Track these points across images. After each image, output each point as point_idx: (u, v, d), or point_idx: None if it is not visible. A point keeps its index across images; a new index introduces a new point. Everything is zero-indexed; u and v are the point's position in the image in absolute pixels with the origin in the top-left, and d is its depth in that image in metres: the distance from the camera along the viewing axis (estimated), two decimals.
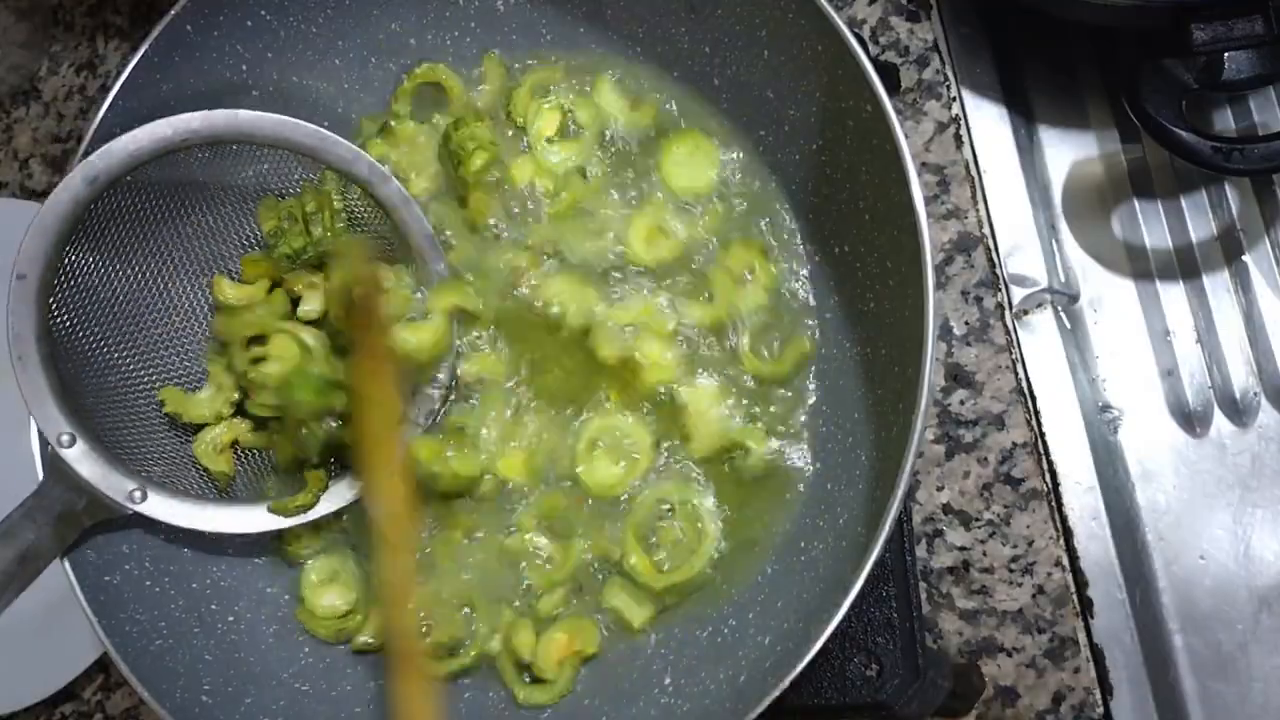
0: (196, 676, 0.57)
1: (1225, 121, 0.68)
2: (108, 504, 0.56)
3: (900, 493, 0.47)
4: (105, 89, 0.60)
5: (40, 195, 0.86)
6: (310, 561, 0.62)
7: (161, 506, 0.57)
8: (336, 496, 0.60)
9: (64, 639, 0.71)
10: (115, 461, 0.57)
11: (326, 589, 0.61)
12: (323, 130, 0.59)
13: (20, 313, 0.55)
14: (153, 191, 0.59)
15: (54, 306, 0.56)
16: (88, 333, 0.58)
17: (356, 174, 0.60)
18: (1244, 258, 0.66)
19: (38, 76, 0.90)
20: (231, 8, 0.61)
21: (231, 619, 0.61)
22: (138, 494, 0.56)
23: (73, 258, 0.57)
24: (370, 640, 0.60)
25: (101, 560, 0.57)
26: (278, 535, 0.61)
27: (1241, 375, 0.65)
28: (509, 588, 0.60)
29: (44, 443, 0.56)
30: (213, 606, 0.60)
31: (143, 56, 0.59)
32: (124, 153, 0.56)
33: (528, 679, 0.59)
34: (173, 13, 0.59)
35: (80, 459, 0.56)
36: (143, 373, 0.61)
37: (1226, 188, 0.67)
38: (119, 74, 0.59)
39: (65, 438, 0.55)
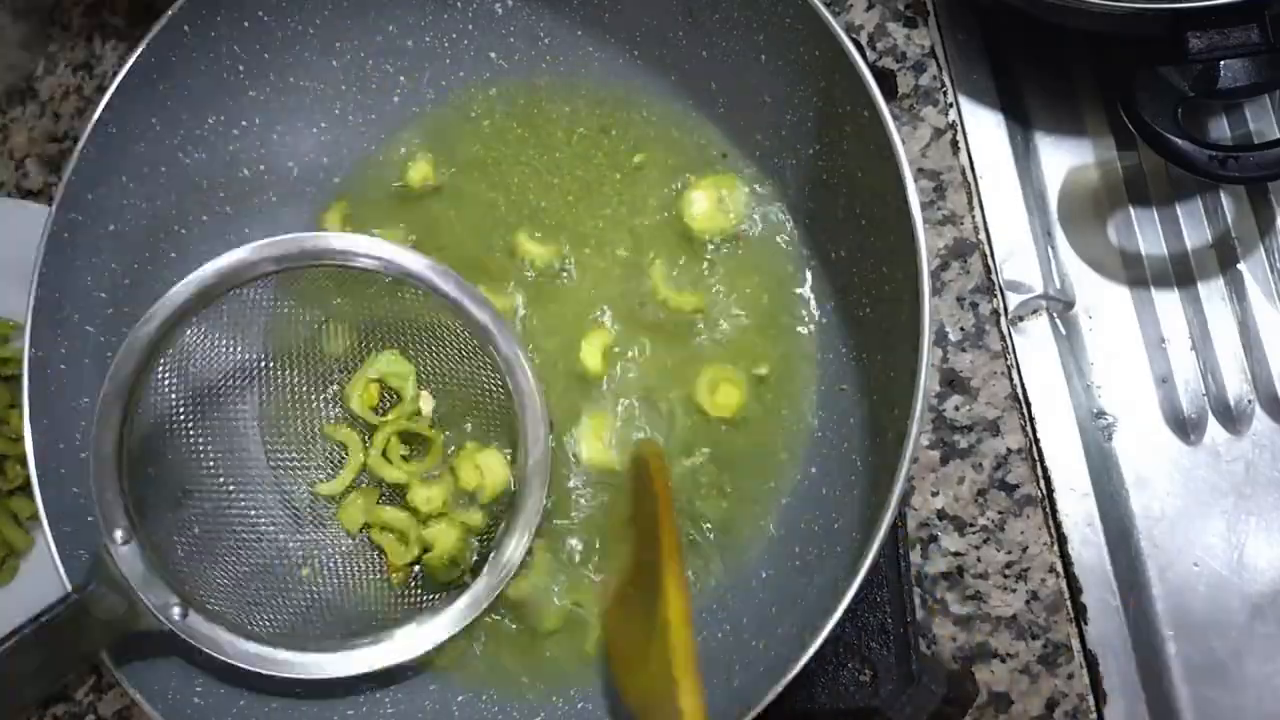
0: (189, 678, 0.57)
1: (1221, 129, 0.68)
2: (146, 613, 0.55)
3: (895, 498, 0.47)
4: (102, 89, 0.60)
5: (35, 195, 0.86)
6: None
7: (205, 630, 0.55)
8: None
9: None
10: (164, 572, 0.55)
11: None
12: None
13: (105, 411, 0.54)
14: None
15: (139, 406, 0.56)
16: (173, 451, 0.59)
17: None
18: (1239, 266, 0.66)
19: (34, 76, 0.89)
20: (229, 9, 0.61)
21: None
22: (177, 610, 0.55)
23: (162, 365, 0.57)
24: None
25: (93, 560, 0.57)
26: None
27: (1236, 383, 0.65)
28: None
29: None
30: None
31: (139, 57, 0.59)
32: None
33: None
34: (170, 13, 0.59)
35: (130, 558, 0.55)
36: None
37: (1222, 195, 0.67)
38: (115, 74, 0.59)
39: (120, 534, 0.55)
